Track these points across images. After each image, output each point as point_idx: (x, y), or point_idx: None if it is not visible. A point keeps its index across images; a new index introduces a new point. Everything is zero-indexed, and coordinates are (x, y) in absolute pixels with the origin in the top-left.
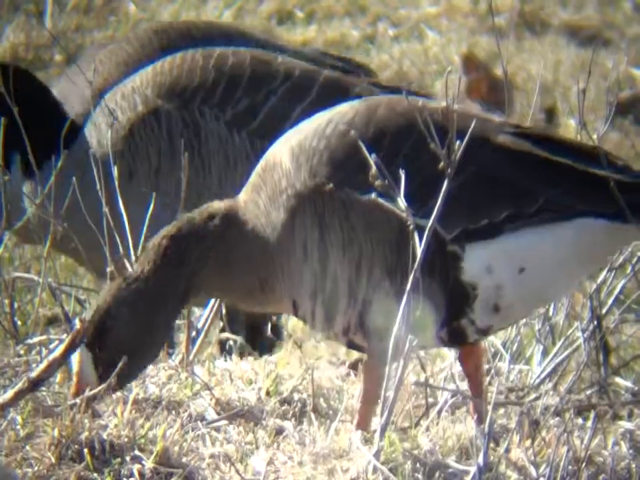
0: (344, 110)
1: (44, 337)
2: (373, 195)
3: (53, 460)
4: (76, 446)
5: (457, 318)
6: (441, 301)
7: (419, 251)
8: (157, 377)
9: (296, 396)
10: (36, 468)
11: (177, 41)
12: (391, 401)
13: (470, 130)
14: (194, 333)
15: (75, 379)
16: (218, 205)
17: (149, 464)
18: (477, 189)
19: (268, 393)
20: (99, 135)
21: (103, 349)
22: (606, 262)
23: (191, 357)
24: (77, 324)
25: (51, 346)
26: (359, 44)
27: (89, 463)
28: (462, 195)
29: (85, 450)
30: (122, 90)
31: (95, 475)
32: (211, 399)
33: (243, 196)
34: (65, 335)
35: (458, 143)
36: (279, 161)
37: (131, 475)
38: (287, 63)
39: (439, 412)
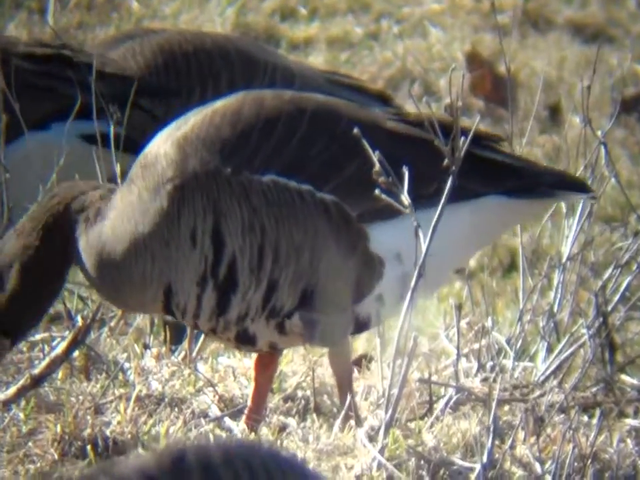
0: (229, 102)
1: (46, 334)
2: (273, 176)
3: (56, 456)
4: (79, 442)
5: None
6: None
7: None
8: (159, 374)
9: (299, 393)
10: (39, 464)
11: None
12: (396, 398)
13: (363, 116)
14: (197, 330)
15: None
16: (90, 195)
17: None
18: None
19: (271, 390)
20: None
21: None
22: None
23: (194, 354)
24: (79, 321)
25: (53, 343)
26: (362, 41)
27: (92, 459)
28: (365, 177)
29: (88, 446)
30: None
31: None
32: (214, 396)
33: (121, 189)
34: (67, 332)
35: (463, 139)
36: (162, 153)
37: None
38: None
39: (443, 409)
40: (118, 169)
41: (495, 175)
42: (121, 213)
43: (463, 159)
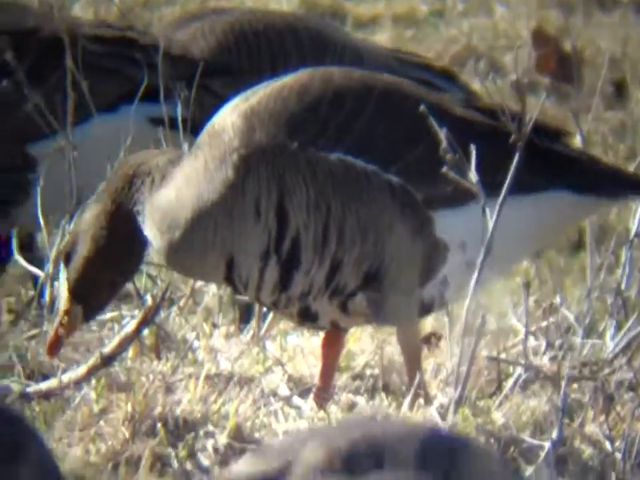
0: (298, 76)
1: (116, 313)
2: (340, 155)
3: (127, 435)
4: (149, 421)
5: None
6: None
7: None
8: (229, 353)
9: (368, 371)
10: (110, 443)
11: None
12: (465, 375)
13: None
14: (265, 308)
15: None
16: (157, 159)
17: (222, 439)
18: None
19: (340, 368)
20: None
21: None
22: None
23: (262, 333)
24: (149, 300)
25: (123, 322)
26: (428, 19)
27: (163, 437)
28: (431, 161)
29: (159, 425)
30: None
31: (169, 449)
32: (283, 375)
33: (187, 155)
34: (136, 311)
35: (528, 121)
36: (229, 123)
37: (205, 449)
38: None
39: (512, 387)
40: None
41: (559, 169)
42: (187, 178)
43: (527, 153)
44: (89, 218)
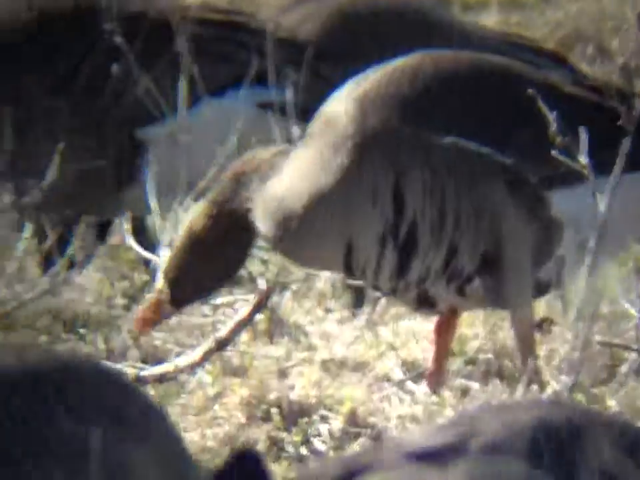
0: (408, 61)
1: (230, 298)
2: (454, 138)
3: (243, 420)
4: (264, 406)
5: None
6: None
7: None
8: (342, 338)
9: (480, 356)
10: (225, 427)
11: None
12: (578, 361)
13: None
14: (376, 290)
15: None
16: (264, 153)
17: (336, 424)
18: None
19: (453, 353)
20: None
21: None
22: None
23: (376, 317)
24: (263, 284)
25: (237, 306)
26: (534, 2)
27: (278, 422)
28: (543, 142)
29: (274, 410)
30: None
31: (284, 434)
32: (397, 359)
33: (300, 145)
34: (250, 296)
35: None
36: (342, 110)
37: (319, 434)
38: None
39: (627, 373)
40: (295, 135)
41: None
42: (300, 168)
43: (636, 132)
44: (197, 211)
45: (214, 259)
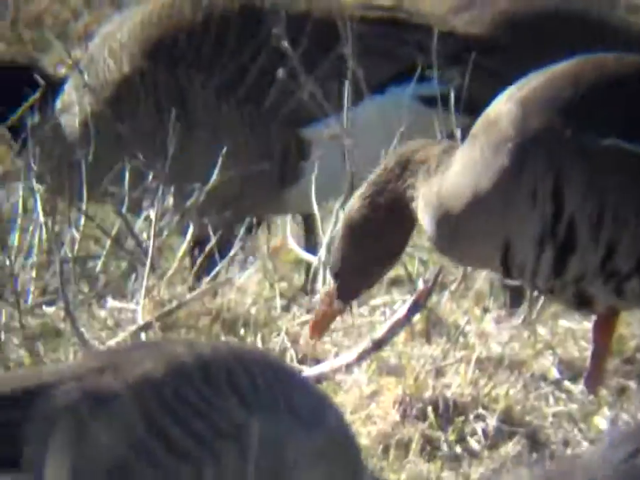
0: (570, 65)
1: (387, 298)
2: (615, 140)
3: (397, 418)
4: (420, 404)
5: None
6: None
7: None
8: (499, 336)
9: (638, 356)
10: (380, 426)
11: None
12: None
13: None
14: (534, 290)
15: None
16: (432, 148)
17: (492, 422)
18: None
19: (610, 352)
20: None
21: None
22: None
23: (533, 316)
24: (421, 284)
25: (395, 306)
26: None
27: (433, 421)
28: None
29: (429, 408)
30: (110, 44)
31: (439, 433)
32: (554, 358)
33: (463, 145)
34: (408, 296)
35: None
36: (505, 112)
37: (474, 433)
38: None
39: None
40: (458, 131)
41: None
42: (463, 167)
43: None
44: (357, 199)
45: (376, 241)
